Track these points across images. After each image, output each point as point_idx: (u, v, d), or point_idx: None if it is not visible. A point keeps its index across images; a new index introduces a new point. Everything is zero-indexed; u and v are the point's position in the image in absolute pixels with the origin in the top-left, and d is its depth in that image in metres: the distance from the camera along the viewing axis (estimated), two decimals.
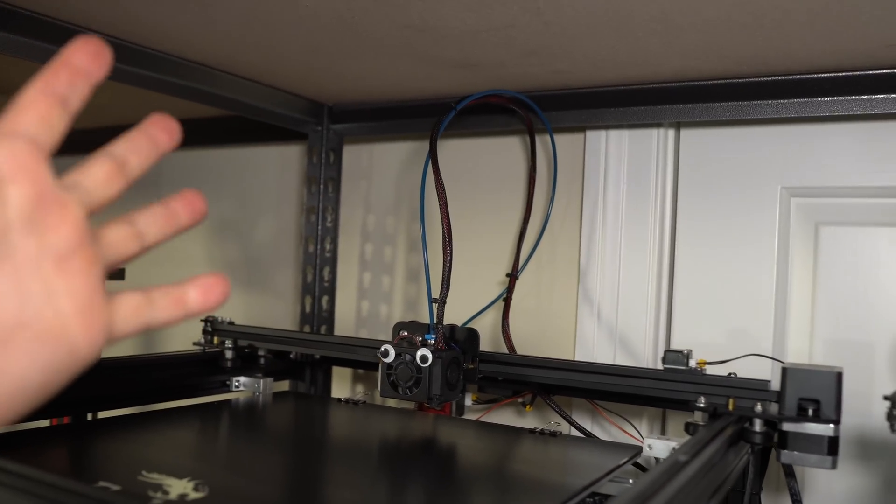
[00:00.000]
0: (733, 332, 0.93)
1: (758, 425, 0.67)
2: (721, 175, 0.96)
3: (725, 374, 0.73)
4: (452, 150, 1.15)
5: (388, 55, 0.87)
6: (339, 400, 0.92)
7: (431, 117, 0.97)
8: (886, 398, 0.64)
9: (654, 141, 0.98)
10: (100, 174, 0.33)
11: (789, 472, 0.73)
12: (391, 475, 0.67)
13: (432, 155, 0.83)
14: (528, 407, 0.92)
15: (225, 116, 1.32)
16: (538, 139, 1.02)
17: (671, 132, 0.99)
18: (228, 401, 0.91)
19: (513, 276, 0.96)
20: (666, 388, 0.74)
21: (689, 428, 0.70)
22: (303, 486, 0.66)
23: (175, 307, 0.36)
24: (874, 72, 0.81)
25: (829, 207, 0.91)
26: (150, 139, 0.36)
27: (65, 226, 0.31)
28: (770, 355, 0.84)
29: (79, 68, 0.32)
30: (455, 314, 0.90)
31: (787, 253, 0.93)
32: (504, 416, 1.05)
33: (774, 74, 0.86)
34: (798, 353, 0.91)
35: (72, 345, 0.32)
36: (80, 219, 0.32)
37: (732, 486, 0.68)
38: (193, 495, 0.54)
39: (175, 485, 0.56)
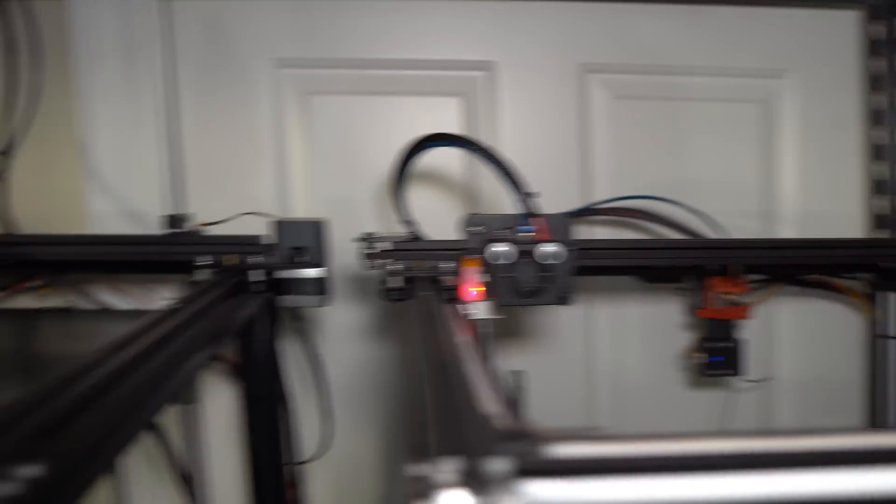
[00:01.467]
0: (243, 199, 0.98)
1: (254, 276, 0.74)
2: (215, 47, 0.97)
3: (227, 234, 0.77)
4: None
5: None
6: None
7: None
8: (355, 240, 0.76)
9: (147, 10, 0.95)
10: None
11: (297, 315, 0.82)
12: None
13: None
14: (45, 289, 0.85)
15: None
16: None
17: (163, 3, 0.96)
18: None
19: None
20: (168, 252, 0.75)
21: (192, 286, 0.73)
22: None
23: None
24: None
25: (319, 78, 1.00)
26: None
27: None
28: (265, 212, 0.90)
29: None
30: None
31: (282, 121, 1.00)
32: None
33: None
34: (303, 212, 1.00)
35: None
36: None
37: (246, 333, 0.74)
38: None
39: None
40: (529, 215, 0.72)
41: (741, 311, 0.92)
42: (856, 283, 1.01)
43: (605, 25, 1.05)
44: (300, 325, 0.82)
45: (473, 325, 0.78)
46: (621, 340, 1.10)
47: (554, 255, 0.69)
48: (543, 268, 0.69)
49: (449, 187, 1.04)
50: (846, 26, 1.09)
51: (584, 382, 1.10)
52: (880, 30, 1.04)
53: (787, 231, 1.10)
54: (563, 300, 0.71)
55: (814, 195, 1.10)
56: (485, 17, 1.02)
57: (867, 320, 1.08)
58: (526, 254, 0.69)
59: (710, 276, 0.92)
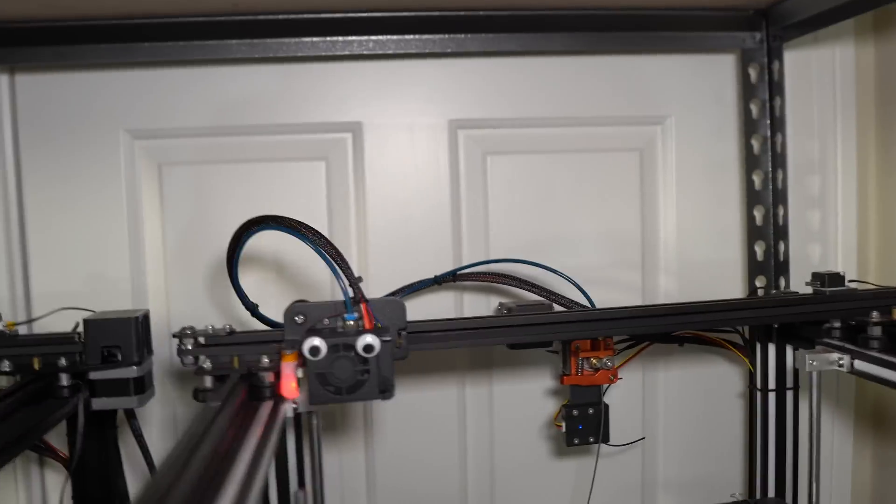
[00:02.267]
0: (92, 278, 0.95)
1: (64, 379, 0.71)
2: (62, 121, 0.94)
3: (43, 332, 0.74)
4: None
5: None
6: None
7: None
8: (175, 335, 0.73)
9: None
10: None
11: (131, 414, 0.79)
12: None
13: None
14: None
15: None
16: None
17: (4, 77, 0.94)
18: None
19: None
20: None
21: None
22: None
23: None
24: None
25: (173, 148, 0.98)
26: None
27: None
28: (84, 307, 0.82)
29: None
30: None
31: (137, 194, 0.97)
32: None
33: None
34: (157, 290, 0.98)
35: None
36: None
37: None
38: None
39: None
40: (354, 301, 0.69)
41: (607, 374, 0.90)
42: (733, 334, 0.98)
43: (476, 80, 1.02)
44: (134, 423, 0.79)
45: (295, 422, 0.75)
46: (491, 414, 1.08)
47: (370, 347, 0.65)
48: (362, 360, 0.67)
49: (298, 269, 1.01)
50: (723, 70, 1.07)
51: (456, 462, 1.07)
52: (755, 73, 1.02)
53: (669, 281, 1.07)
54: (383, 394, 0.67)
55: (694, 242, 1.08)
56: (350, 77, 1.00)
57: (746, 372, 1.06)
58: (346, 346, 0.66)
59: (574, 340, 0.89)
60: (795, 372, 0.96)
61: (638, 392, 1.09)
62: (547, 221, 1.05)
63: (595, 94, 1.05)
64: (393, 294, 0.93)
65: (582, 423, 0.90)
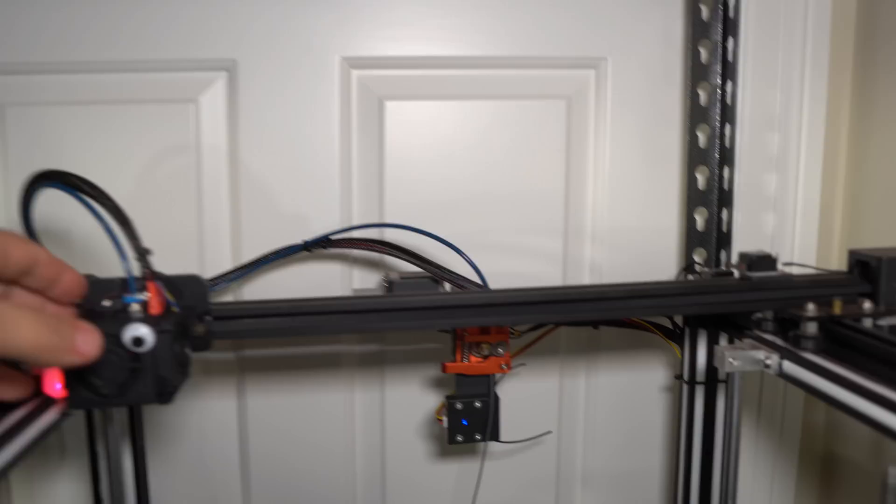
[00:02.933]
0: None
1: None
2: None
3: None
4: None
5: None
6: None
7: None
8: None
9: None
10: None
11: None
12: None
13: None
14: None
15: None
16: None
17: None
18: None
19: None
20: None
21: None
22: None
23: None
24: None
25: (17, 87, 0.84)
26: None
27: None
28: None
29: None
30: None
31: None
32: None
33: None
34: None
35: None
36: None
37: None
38: None
39: None
40: (140, 279, 0.56)
41: (499, 362, 0.77)
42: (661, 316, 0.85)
43: (374, 12, 0.87)
44: None
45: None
46: (377, 415, 0.96)
47: (139, 341, 0.51)
48: (132, 356, 0.54)
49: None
50: (671, 4, 0.91)
51: (343, 469, 0.96)
52: (707, 8, 0.86)
53: (596, 250, 0.93)
54: (161, 397, 0.53)
55: (627, 207, 0.93)
56: (223, 5, 0.85)
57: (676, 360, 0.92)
58: (111, 337, 0.51)
59: None
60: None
61: (554, 380, 0.97)
62: (454, 179, 0.90)
63: (516, 30, 0.89)
64: (255, 263, 0.80)
65: (467, 418, 0.78)
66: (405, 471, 0.97)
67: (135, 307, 0.54)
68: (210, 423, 0.93)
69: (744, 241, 0.92)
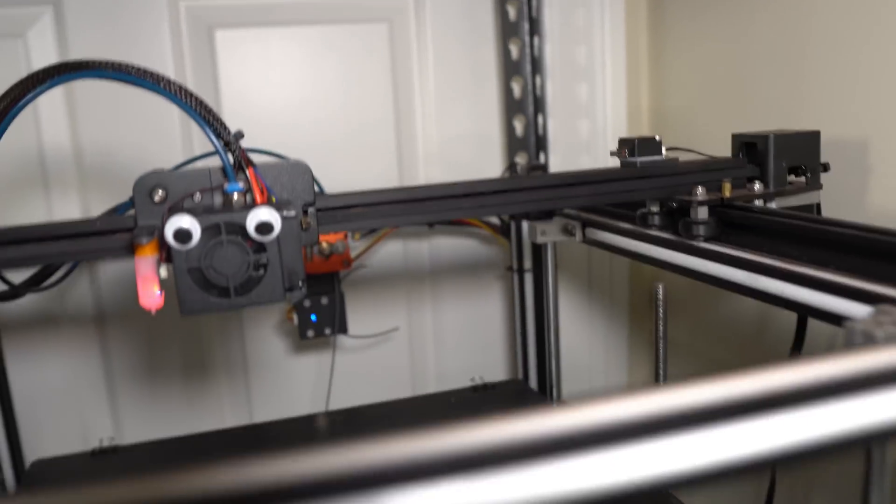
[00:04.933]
0: None
1: None
2: None
3: None
4: None
5: None
6: None
7: None
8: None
9: None
10: None
11: None
12: None
13: None
14: None
15: None
16: None
17: None
18: None
19: None
20: None
21: None
22: None
23: None
24: None
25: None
26: None
27: None
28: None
29: None
30: None
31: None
32: None
33: None
34: None
35: None
36: None
37: None
38: None
39: None
40: (236, 167, 0.48)
41: (340, 259, 0.83)
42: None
43: None
44: None
45: None
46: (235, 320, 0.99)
47: (266, 226, 0.45)
48: (257, 245, 0.47)
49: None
50: None
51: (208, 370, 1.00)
52: None
53: (430, 168, 1.01)
54: (291, 292, 0.48)
55: (454, 121, 1.01)
56: None
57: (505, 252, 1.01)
58: (231, 226, 0.46)
59: None
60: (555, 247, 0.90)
61: (401, 283, 1.03)
62: (286, 104, 0.95)
63: None
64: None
65: (315, 314, 0.84)
66: (266, 367, 1.00)
67: (235, 197, 0.48)
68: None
69: (561, 145, 1.02)
